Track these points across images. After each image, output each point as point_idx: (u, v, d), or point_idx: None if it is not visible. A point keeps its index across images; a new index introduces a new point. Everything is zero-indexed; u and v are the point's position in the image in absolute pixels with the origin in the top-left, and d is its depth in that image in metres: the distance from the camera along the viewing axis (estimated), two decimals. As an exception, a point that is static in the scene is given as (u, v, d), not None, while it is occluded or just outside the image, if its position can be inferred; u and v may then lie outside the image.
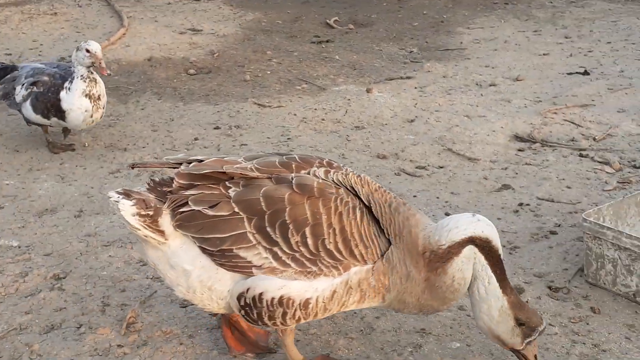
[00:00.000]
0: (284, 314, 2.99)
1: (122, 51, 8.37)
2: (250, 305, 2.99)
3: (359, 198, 3.07)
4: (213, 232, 3.00)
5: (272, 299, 2.97)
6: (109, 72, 5.52)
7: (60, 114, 5.49)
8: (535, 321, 3.07)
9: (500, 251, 3.08)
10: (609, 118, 6.34)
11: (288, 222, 2.96)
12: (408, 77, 7.69)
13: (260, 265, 2.98)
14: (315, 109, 6.74)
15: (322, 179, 3.08)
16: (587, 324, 3.64)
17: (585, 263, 3.95)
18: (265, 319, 3.01)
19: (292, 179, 3.03)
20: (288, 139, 6.05)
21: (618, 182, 5.19)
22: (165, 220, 3.06)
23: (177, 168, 3.17)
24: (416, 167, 5.52)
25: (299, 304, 2.99)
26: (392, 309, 3.18)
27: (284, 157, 3.22)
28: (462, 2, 10.93)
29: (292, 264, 2.98)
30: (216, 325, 3.55)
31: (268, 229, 2.97)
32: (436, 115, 6.54)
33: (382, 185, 3.28)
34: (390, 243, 3.05)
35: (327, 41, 9.12)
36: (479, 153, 5.77)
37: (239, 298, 3.00)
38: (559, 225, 4.57)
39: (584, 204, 4.87)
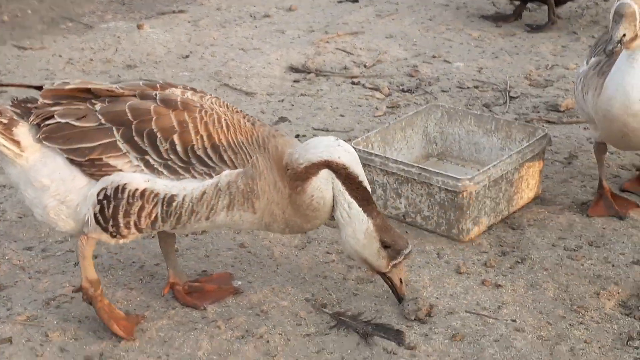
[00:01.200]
0: (141, 209, 2.98)
1: None
2: (110, 197, 2.98)
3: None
4: (81, 142, 3.03)
5: (136, 190, 2.99)
6: None
7: None
8: (401, 244, 3.22)
9: (362, 177, 3.18)
10: (378, 44, 6.55)
11: (155, 131, 3.04)
12: (181, 11, 7.50)
13: (127, 170, 3.00)
14: (83, 49, 6.45)
15: (186, 97, 3.13)
16: None
17: (359, 189, 4.09)
18: (120, 216, 2.99)
19: (156, 95, 3.12)
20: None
21: (387, 107, 5.38)
22: (22, 131, 3.06)
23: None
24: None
25: (163, 199, 3.00)
26: (264, 226, 3.19)
27: (151, 82, 3.27)
28: None
29: (165, 171, 3.04)
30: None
31: (136, 138, 3.03)
32: (211, 50, 6.46)
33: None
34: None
35: (93, -25, 8.65)
36: (256, 87, 5.76)
37: (99, 193, 2.97)
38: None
39: (357, 130, 5.02)
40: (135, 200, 2.97)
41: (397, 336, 3.24)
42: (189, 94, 3.17)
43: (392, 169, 3.87)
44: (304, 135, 4.95)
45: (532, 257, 3.69)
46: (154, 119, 3.01)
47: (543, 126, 4.97)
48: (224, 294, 3.46)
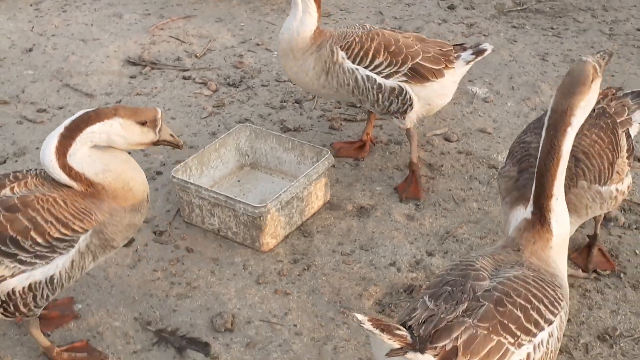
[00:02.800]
0: (35, 297, 3.66)
1: None
2: (7, 301, 3.63)
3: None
4: None
5: (23, 288, 3.62)
6: None
7: None
8: (152, 114, 3.77)
9: None
10: (209, 29, 7.14)
11: (15, 235, 3.55)
12: None
13: (12, 275, 3.60)
14: None
15: (17, 195, 3.65)
16: (183, 264, 4.62)
17: (181, 207, 4.92)
18: (21, 307, 3.67)
19: None
20: None
21: (213, 106, 6.09)
22: None
23: None
24: (37, 111, 5.98)
25: (46, 282, 3.65)
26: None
27: None
28: None
29: (37, 260, 3.61)
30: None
31: (2, 247, 3.54)
32: (53, 42, 6.90)
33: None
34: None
35: None
36: (95, 85, 6.32)
37: None
38: (164, 164, 5.43)
39: (186, 135, 5.74)
40: (26, 295, 3.63)
41: (204, 348, 4.12)
42: (18, 188, 3.68)
43: (204, 195, 4.71)
44: None
45: (316, 263, 4.64)
46: (8, 226, 3.56)
47: (341, 124, 5.89)
48: (66, 320, 4.24)
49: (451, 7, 7.53)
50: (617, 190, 4.20)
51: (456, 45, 5.26)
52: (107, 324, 4.23)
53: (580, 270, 4.55)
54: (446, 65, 5.11)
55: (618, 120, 4.33)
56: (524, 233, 3.45)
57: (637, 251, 4.72)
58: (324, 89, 5.20)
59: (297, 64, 5.16)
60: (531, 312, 3.11)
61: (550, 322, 3.14)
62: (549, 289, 3.22)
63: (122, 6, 7.56)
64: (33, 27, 7.11)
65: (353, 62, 5.05)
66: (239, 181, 5.24)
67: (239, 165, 5.32)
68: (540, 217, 3.41)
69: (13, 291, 3.64)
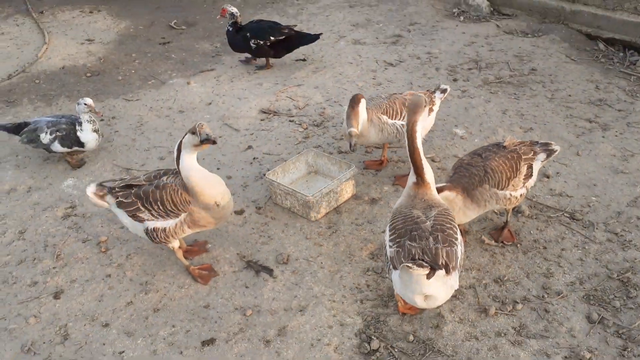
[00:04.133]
0: (157, 235, 4.18)
1: (46, 63, 8.31)
2: (149, 233, 4.22)
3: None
4: (129, 207, 4.21)
5: (151, 229, 4.21)
6: (102, 115, 5.96)
7: (80, 144, 5.84)
8: (194, 125, 3.90)
9: None
10: (309, 93, 7.50)
11: (151, 200, 4.11)
12: (211, 69, 8.26)
13: (147, 219, 4.20)
14: (157, 100, 7.43)
15: (165, 182, 4.14)
16: (268, 225, 5.07)
17: (271, 194, 5.48)
18: (157, 238, 4.20)
19: (154, 183, 4.15)
20: (141, 124, 6.82)
21: (303, 138, 6.49)
22: (109, 199, 4.28)
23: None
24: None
25: (162, 230, 4.19)
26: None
27: (156, 172, 4.26)
28: (249, 2, 10.70)
29: (159, 217, 4.15)
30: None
31: (146, 204, 4.12)
32: (222, 99, 7.44)
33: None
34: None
35: (168, 42, 9.07)
36: (241, 125, 6.81)
37: (144, 231, 4.23)
38: (269, 170, 5.94)
39: (284, 154, 6.15)
40: (154, 231, 4.25)
41: (270, 272, 4.62)
42: (170, 178, 4.17)
43: (282, 188, 5.24)
44: (257, 158, 6.06)
45: (341, 229, 4.96)
46: (151, 195, 4.15)
47: (372, 150, 6.21)
48: (201, 252, 4.67)
49: (455, 80, 7.64)
50: (510, 195, 4.37)
51: (429, 91, 5.54)
52: (222, 256, 4.82)
53: (493, 240, 4.74)
54: (431, 108, 5.37)
55: (523, 157, 4.46)
56: (418, 190, 3.81)
57: (531, 232, 4.83)
58: (379, 140, 5.36)
59: (366, 138, 5.32)
60: (454, 229, 3.61)
61: (458, 230, 3.69)
62: (450, 214, 3.72)
63: (264, 78, 8.05)
64: (213, 91, 7.76)
65: (391, 118, 5.27)
66: (306, 181, 5.68)
67: (307, 172, 5.77)
68: (421, 179, 3.81)
69: (149, 228, 4.24)
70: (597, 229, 4.79)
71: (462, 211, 4.35)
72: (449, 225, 3.63)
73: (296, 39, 7.93)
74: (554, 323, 3.99)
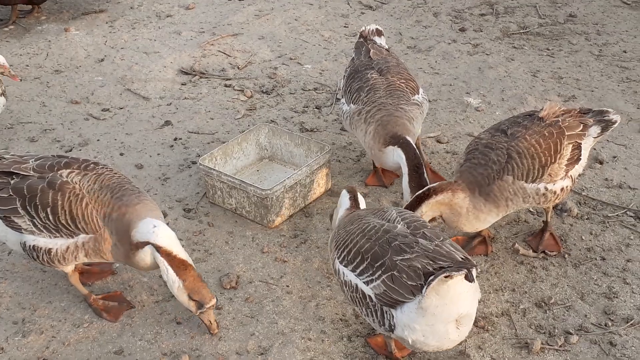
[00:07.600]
0: (38, 256, 4.30)
1: None
2: (27, 250, 4.31)
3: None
4: (2, 205, 4.27)
5: (30, 246, 4.29)
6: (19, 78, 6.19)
7: None
8: (205, 299, 4.21)
9: (176, 250, 4.20)
10: (252, 46, 7.70)
11: (37, 202, 4.20)
12: (101, 10, 8.40)
13: (26, 229, 4.29)
14: (21, 55, 7.46)
15: (65, 180, 4.27)
16: (204, 235, 5.20)
17: (206, 189, 5.54)
18: (38, 259, 4.33)
19: (47, 177, 4.26)
20: None
21: (246, 110, 6.66)
22: None
23: None
24: (102, 110, 6.70)
25: (45, 251, 4.27)
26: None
27: (55, 160, 4.40)
28: None
29: (44, 231, 4.23)
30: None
31: (28, 207, 4.21)
32: (121, 53, 7.58)
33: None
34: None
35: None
36: (152, 90, 6.95)
37: (21, 245, 4.33)
38: (199, 155, 6.04)
39: (220, 133, 6.31)
40: (32, 251, 4.29)
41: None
42: (73, 174, 4.29)
43: (224, 179, 5.34)
44: (180, 138, 6.23)
45: (312, 238, 5.16)
46: (38, 195, 4.22)
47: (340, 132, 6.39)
48: (104, 275, 4.80)
49: (462, 30, 7.96)
50: (545, 189, 4.56)
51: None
52: (137, 279, 4.83)
53: (531, 250, 4.97)
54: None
55: (567, 133, 4.62)
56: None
57: (583, 237, 5.10)
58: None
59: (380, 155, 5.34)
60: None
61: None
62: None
63: (182, 25, 8.20)
64: (106, 41, 7.81)
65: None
66: (257, 171, 5.82)
67: (258, 157, 5.91)
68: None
69: (27, 244, 4.32)
70: (671, 232, 5.09)
71: (473, 216, 4.50)
72: (422, 220, 3.98)
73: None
74: (623, 361, 4.23)
